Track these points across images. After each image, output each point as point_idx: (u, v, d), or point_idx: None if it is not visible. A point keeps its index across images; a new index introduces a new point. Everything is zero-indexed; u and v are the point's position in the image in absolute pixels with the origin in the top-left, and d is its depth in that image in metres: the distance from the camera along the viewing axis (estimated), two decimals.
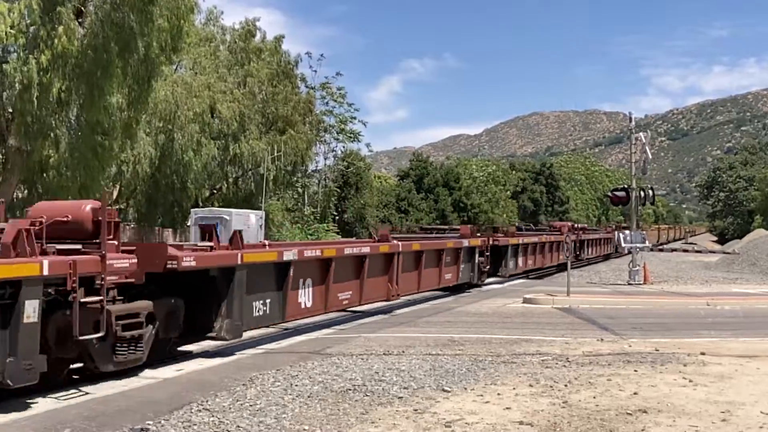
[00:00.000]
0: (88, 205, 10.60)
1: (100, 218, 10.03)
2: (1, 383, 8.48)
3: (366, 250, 17.60)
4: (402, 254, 19.27)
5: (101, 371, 10.07)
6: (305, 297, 14.93)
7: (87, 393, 9.52)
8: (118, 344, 10.02)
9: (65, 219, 10.23)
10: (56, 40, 22.87)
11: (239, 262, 12.19)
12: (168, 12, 26.31)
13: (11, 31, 22.44)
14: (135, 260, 10.32)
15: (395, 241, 19.63)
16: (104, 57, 24.30)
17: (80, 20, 24.74)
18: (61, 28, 23.04)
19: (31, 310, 8.65)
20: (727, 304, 21.34)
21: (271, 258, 13.75)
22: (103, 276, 9.60)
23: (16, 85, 23.71)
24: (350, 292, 16.78)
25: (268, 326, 14.57)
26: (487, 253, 26.61)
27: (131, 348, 10.21)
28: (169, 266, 10.89)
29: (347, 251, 16.74)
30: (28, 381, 8.68)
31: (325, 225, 50.37)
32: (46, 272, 8.79)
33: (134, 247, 10.92)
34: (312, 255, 15.03)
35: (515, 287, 27.96)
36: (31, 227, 9.12)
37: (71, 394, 9.44)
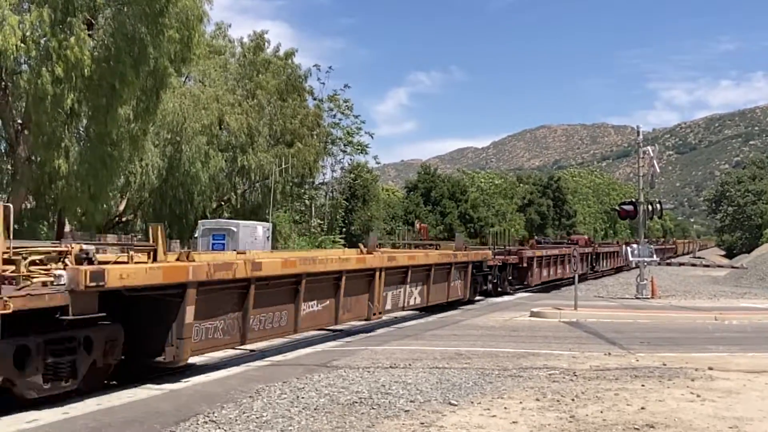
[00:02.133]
0: (585, 235, 60.48)
1: (591, 240, 55.45)
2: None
3: None
4: None
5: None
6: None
7: (94, 404, 9.52)
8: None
9: (581, 240, 46.95)
10: (69, 51, 23.01)
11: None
12: (178, 23, 26.46)
13: (22, 45, 22.60)
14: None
15: None
16: (118, 68, 24.44)
17: (90, 32, 24.89)
18: (72, 39, 23.17)
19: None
20: (735, 318, 21.22)
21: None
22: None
23: (29, 97, 23.85)
24: None
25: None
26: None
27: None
28: None
29: None
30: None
31: (332, 237, 50.46)
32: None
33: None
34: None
35: (522, 300, 27.90)
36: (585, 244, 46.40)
37: (78, 404, 9.45)
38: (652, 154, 30.64)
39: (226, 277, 11.98)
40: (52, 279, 9.66)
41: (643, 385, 10.74)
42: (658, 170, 31.38)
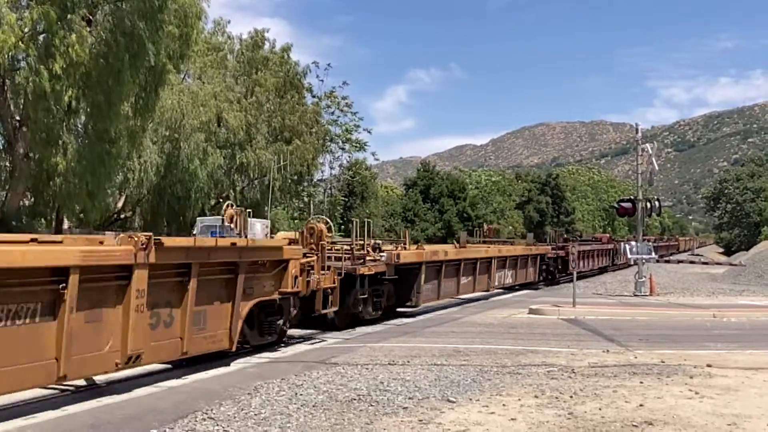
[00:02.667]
0: (607, 236, 56.52)
1: (612, 238, 55.59)
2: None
3: None
4: None
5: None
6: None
7: (93, 401, 9.52)
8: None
9: (603, 238, 52.40)
10: (69, 49, 22.92)
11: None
12: (176, 20, 26.39)
13: (21, 44, 22.53)
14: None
15: None
16: (116, 65, 24.37)
17: (89, 29, 24.84)
18: (74, 36, 23.10)
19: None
20: (734, 316, 21.25)
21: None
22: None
23: (28, 94, 23.76)
24: None
25: None
26: None
27: None
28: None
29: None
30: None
31: (330, 234, 50.38)
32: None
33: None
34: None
35: (521, 297, 27.92)
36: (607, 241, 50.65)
37: (76, 402, 9.44)
38: (650, 152, 30.62)
39: (434, 259, 21.96)
40: (377, 258, 19.01)
41: (641, 382, 10.74)
42: (657, 167, 31.36)
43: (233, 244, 12.18)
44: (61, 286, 8.63)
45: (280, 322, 14.08)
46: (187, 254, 10.82)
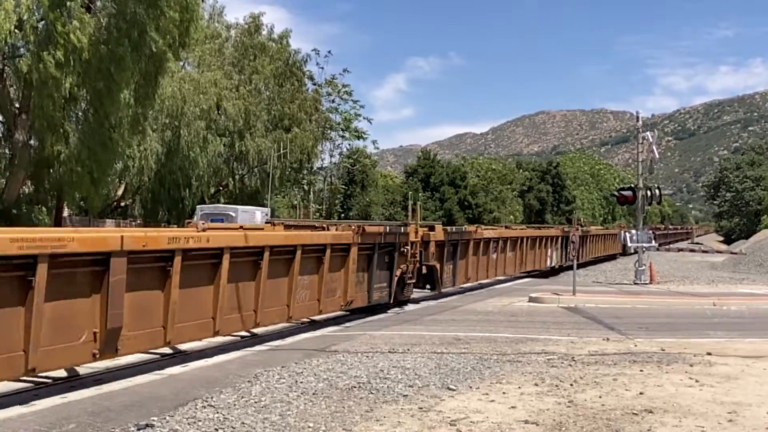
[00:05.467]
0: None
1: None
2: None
3: None
4: None
5: None
6: None
7: (92, 388, 9.52)
8: None
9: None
10: (71, 35, 22.83)
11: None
12: (176, 6, 26.30)
13: (17, 31, 22.46)
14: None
15: None
16: (117, 51, 24.29)
17: (89, 15, 24.74)
18: (75, 22, 23.01)
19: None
20: (734, 304, 21.26)
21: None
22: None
23: (32, 81, 23.70)
24: None
25: None
26: None
27: None
28: None
29: None
30: None
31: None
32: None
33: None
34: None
35: (521, 286, 27.92)
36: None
37: (76, 389, 9.45)
38: (651, 140, 30.56)
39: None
40: None
41: (641, 370, 10.75)
42: (657, 156, 31.31)
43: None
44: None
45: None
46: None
